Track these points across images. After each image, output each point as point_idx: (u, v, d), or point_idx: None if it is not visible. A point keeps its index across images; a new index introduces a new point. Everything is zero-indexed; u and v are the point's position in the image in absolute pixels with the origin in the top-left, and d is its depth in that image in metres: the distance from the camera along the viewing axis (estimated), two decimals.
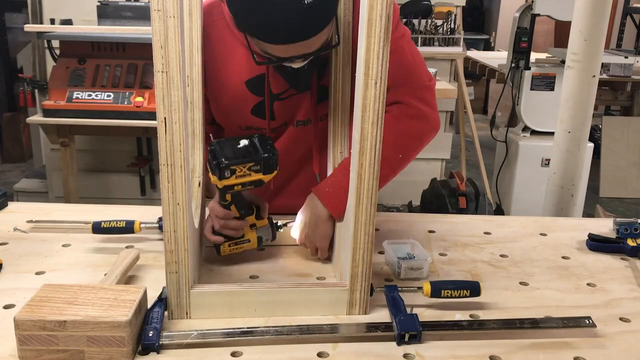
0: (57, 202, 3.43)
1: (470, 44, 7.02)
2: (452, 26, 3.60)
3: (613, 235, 1.40)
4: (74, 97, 2.75)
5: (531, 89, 3.52)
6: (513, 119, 3.89)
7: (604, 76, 4.40)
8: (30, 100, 3.35)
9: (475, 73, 4.96)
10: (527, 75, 3.49)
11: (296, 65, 1.15)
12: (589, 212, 4.08)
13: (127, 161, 3.42)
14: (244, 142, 1.06)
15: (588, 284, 1.19)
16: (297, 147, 1.37)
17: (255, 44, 1.11)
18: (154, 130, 2.84)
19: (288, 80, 1.23)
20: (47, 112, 2.76)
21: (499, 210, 3.49)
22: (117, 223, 1.27)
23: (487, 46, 7.80)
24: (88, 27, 2.96)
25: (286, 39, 1.06)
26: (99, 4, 2.93)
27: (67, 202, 3.07)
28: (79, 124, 2.80)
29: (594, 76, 1.81)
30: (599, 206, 4.03)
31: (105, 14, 2.91)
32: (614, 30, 6.95)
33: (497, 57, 4.78)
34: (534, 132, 3.63)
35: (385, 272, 1.21)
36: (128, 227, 1.27)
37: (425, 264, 1.18)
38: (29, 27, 2.91)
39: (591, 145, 3.58)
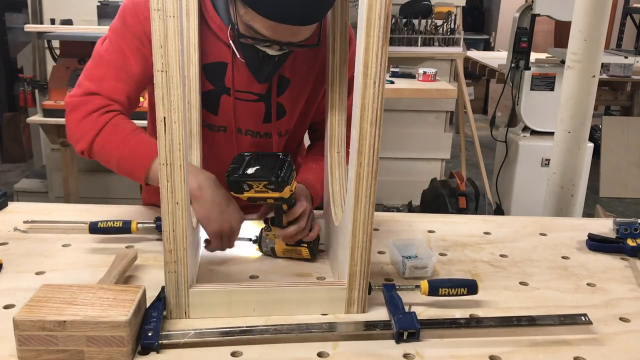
0: (57, 202, 3.43)
1: (470, 44, 7.02)
2: (452, 26, 3.60)
3: (613, 235, 1.40)
4: None
5: (531, 89, 3.52)
6: (513, 119, 3.89)
7: (604, 76, 4.40)
8: (30, 100, 3.35)
9: (475, 73, 4.96)
10: (527, 75, 3.49)
11: (271, 51, 1.17)
12: (588, 212, 4.08)
13: None
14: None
15: (588, 284, 1.19)
16: None
17: (245, 17, 1.10)
18: None
19: (252, 67, 1.24)
20: (47, 112, 2.76)
21: (499, 210, 3.49)
22: (113, 223, 1.27)
23: (487, 46, 7.80)
24: (88, 27, 2.96)
25: (294, 19, 1.07)
26: (99, 4, 2.93)
27: (67, 202, 3.07)
28: None
29: (594, 76, 1.81)
30: (599, 206, 4.03)
31: (105, 14, 2.91)
32: (614, 30, 6.95)
33: (497, 57, 4.78)
34: (534, 132, 3.63)
35: (386, 271, 1.21)
36: (125, 227, 1.27)
37: (430, 263, 1.18)
38: (29, 27, 2.92)
39: (591, 145, 3.58)
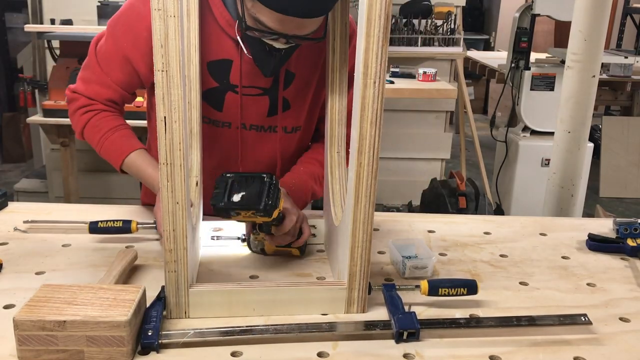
0: (57, 202, 3.43)
1: (470, 44, 7.02)
2: (452, 26, 3.60)
3: (613, 235, 1.40)
4: None
5: (531, 89, 3.52)
6: (513, 119, 3.89)
7: (604, 76, 4.41)
8: (30, 100, 3.35)
9: (475, 73, 4.96)
10: (527, 75, 3.49)
11: (278, 45, 1.17)
12: (588, 212, 4.08)
13: None
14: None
15: (588, 284, 1.19)
16: (256, 154, 1.39)
17: (252, 9, 1.11)
18: None
19: (259, 61, 1.24)
20: (47, 112, 2.76)
21: (499, 210, 3.49)
22: (114, 223, 1.27)
23: (487, 46, 7.80)
24: (88, 27, 2.96)
25: (300, 12, 1.07)
26: (99, 4, 2.93)
27: (67, 202, 3.07)
28: None
29: (594, 76, 1.81)
30: (599, 206, 4.03)
31: (105, 14, 2.91)
32: (614, 30, 6.95)
33: (497, 57, 4.78)
34: (533, 132, 3.63)
35: (386, 272, 1.21)
36: (125, 227, 1.27)
37: (430, 263, 1.18)
38: (29, 27, 2.92)
39: (591, 145, 3.58)
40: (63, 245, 1.27)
